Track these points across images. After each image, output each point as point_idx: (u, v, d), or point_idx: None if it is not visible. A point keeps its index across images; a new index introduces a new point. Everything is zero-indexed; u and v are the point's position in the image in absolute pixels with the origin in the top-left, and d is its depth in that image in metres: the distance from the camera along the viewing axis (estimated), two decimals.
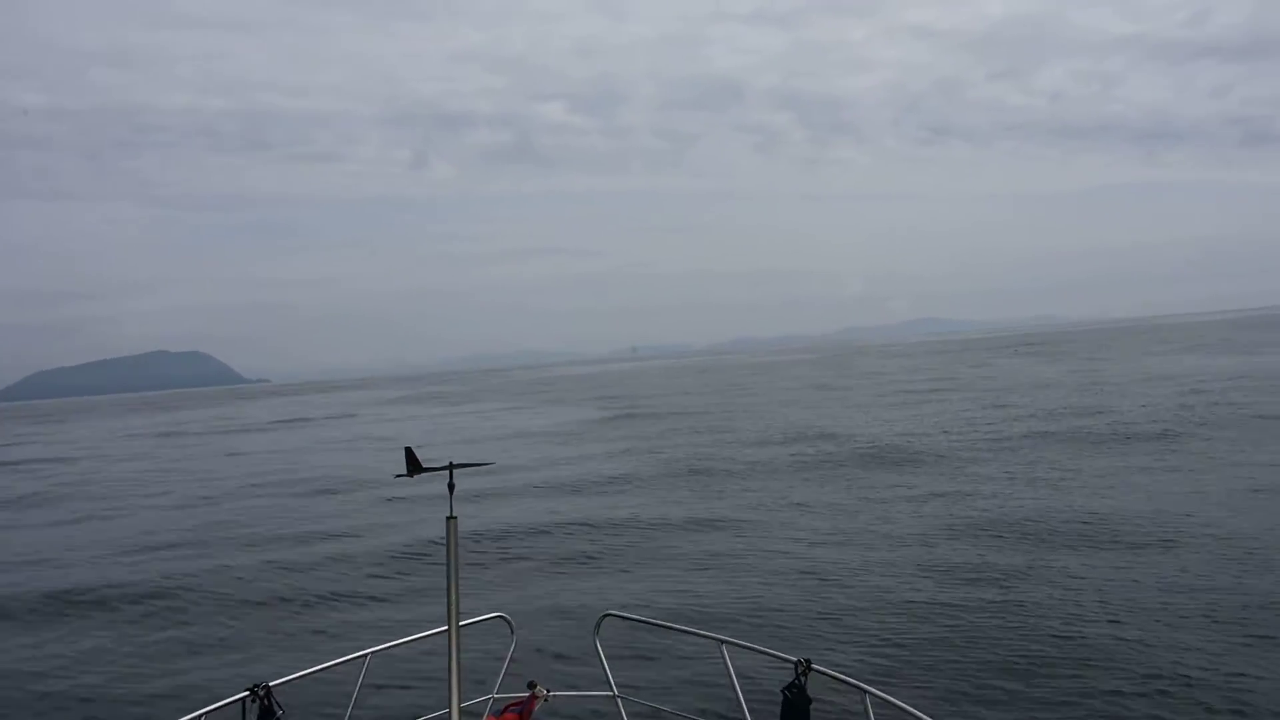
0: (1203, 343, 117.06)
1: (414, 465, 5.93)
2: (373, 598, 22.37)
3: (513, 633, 7.97)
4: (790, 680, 6.24)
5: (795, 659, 6.31)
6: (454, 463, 5.97)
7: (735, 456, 41.71)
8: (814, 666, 6.25)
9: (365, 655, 7.21)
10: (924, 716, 5.92)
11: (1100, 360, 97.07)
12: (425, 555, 26.62)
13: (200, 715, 6.18)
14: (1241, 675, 13.43)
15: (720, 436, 50.01)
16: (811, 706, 6.20)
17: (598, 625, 7.99)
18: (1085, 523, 24.12)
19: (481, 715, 7.53)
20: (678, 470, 39.75)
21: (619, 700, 7.73)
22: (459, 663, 5.98)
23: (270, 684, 6.35)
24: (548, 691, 7.32)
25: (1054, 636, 16.04)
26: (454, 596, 5.94)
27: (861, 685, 6.07)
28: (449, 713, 5.96)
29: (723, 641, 7.11)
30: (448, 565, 5.92)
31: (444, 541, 5.91)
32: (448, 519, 5.91)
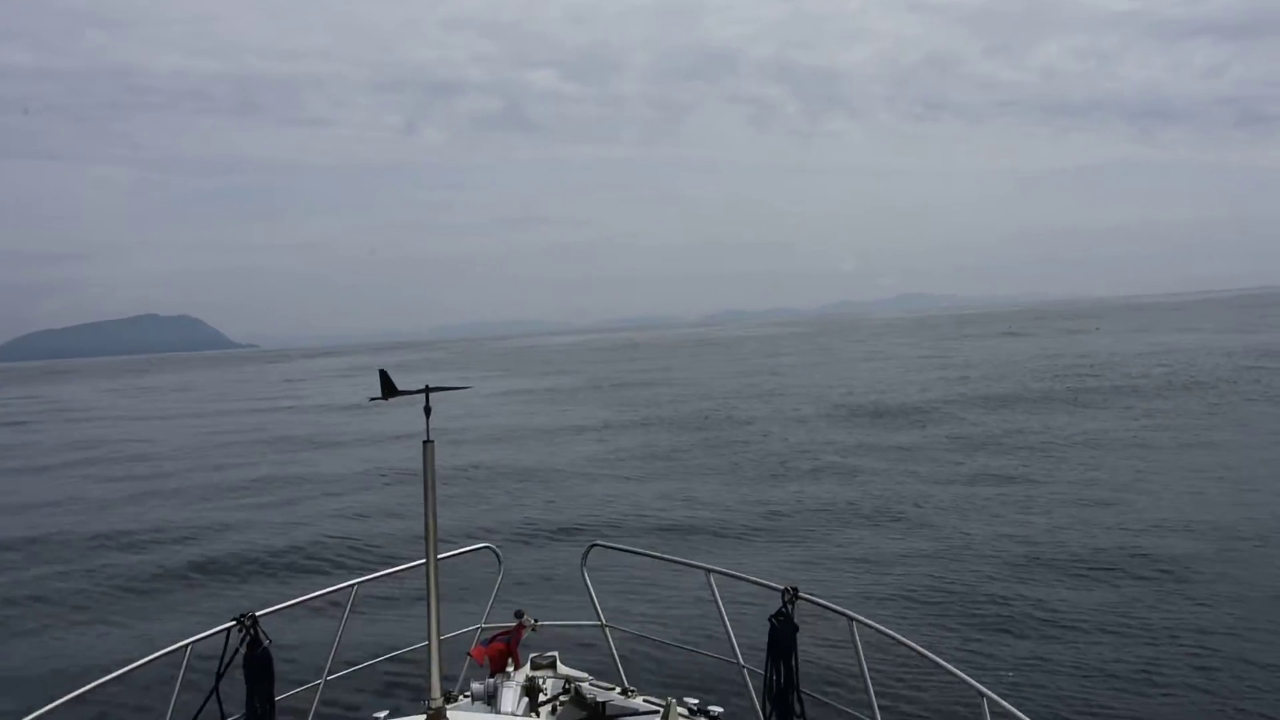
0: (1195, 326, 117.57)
1: (389, 388, 5.82)
2: (362, 527, 22.86)
3: (500, 563, 7.97)
4: (777, 608, 6.24)
5: (782, 587, 6.31)
6: (430, 386, 5.83)
7: (703, 412, 43.01)
8: (800, 594, 6.25)
9: (352, 585, 7.17)
10: (907, 640, 6.07)
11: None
12: (412, 483, 27.30)
13: (188, 644, 6.17)
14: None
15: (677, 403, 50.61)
16: (798, 634, 6.22)
17: (585, 555, 7.99)
18: (1052, 457, 25.87)
19: (469, 645, 7.45)
20: (650, 420, 41.20)
21: (606, 629, 7.77)
22: (438, 592, 5.86)
23: (257, 614, 6.28)
24: (535, 621, 7.27)
25: (1037, 563, 16.70)
26: (432, 523, 5.83)
27: (847, 612, 6.14)
28: (429, 643, 5.86)
29: (710, 570, 7.13)
30: (425, 492, 5.77)
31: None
32: (424, 443, 5.75)
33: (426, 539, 5.84)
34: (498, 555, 7.99)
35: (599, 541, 8.57)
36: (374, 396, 5.87)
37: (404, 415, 42.34)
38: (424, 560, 5.87)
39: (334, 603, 7.27)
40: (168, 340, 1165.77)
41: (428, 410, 5.77)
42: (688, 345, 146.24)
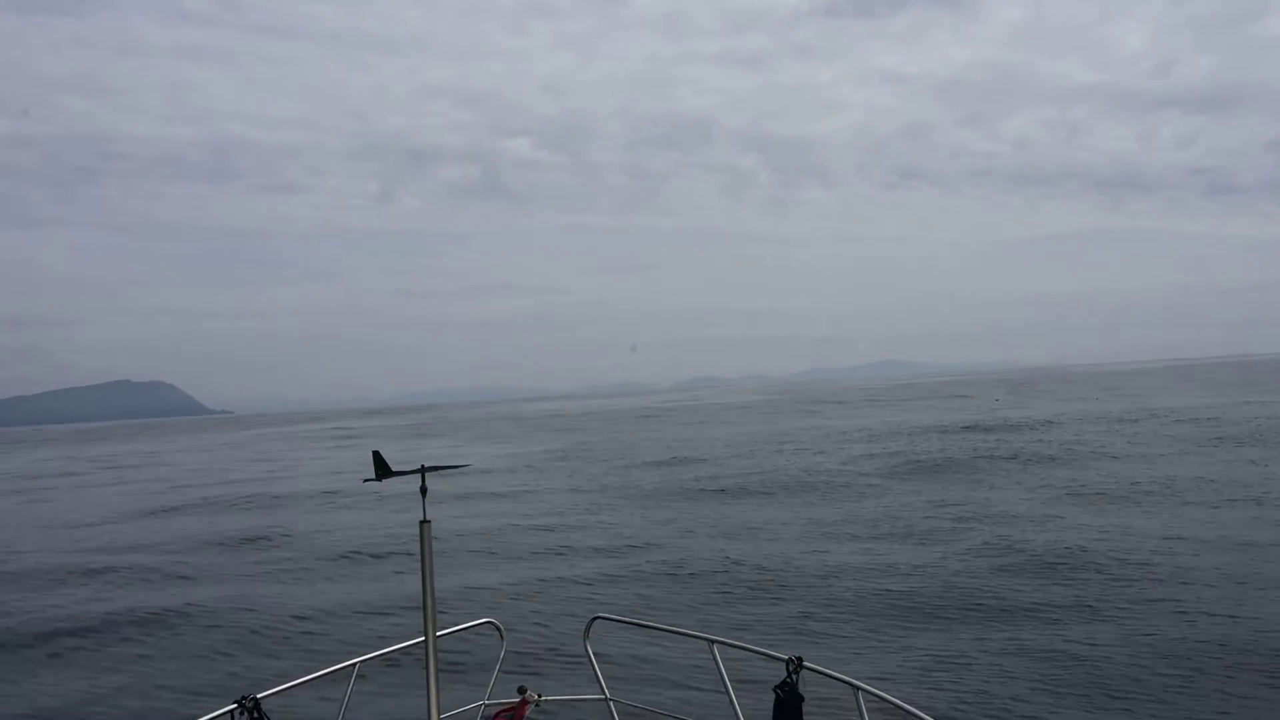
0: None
1: (382, 469, 5.82)
2: (362, 607, 22.47)
3: (502, 638, 7.90)
4: (782, 679, 6.20)
5: (786, 657, 6.27)
6: (426, 465, 5.89)
7: (701, 479, 43.10)
8: (805, 664, 6.21)
9: (354, 664, 7.08)
10: (918, 711, 5.90)
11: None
12: (409, 558, 26.80)
13: None
14: None
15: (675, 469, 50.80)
16: (804, 704, 6.17)
17: (588, 628, 7.85)
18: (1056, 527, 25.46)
19: None
20: (641, 490, 41.09)
21: (610, 703, 7.65)
22: (437, 671, 5.94)
23: (259, 695, 6.18)
24: (539, 696, 7.25)
25: (1050, 626, 16.98)
26: (429, 603, 5.87)
27: (854, 682, 6.03)
28: None
29: (713, 641, 7.03)
30: (422, 572, 5.83)
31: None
32: (421, 523, 5.82)
33: (425, 619, 5.92)
34: (499, 630, 7.90)
35: (601, 614, 8.16)
36: (367, 478, 5.89)
37: (399, 483, 42.64)
38: (417, 640, 5.99)
39: (335, 681, 7.08)
40: (141, 406, 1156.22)
41: (424, 490, 5.85)
42: (636, 416, 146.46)
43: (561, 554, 27.71)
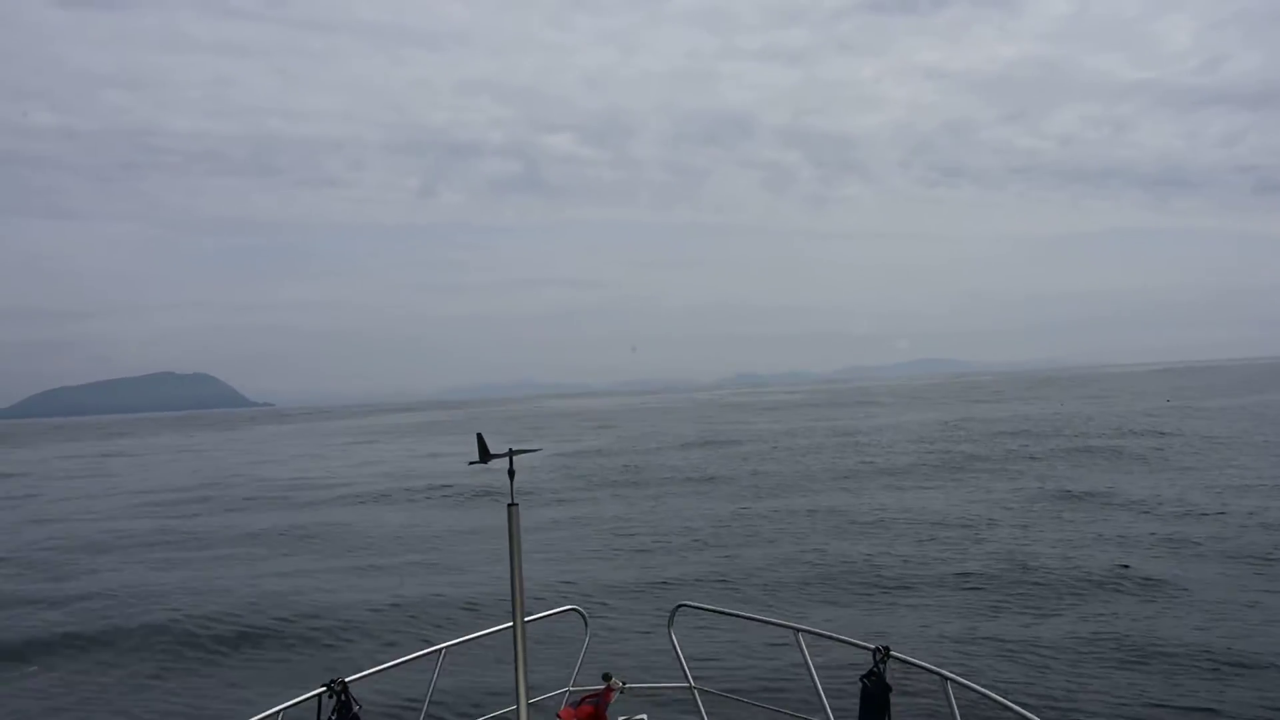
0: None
1: (484, 452, 5.93)
2: (448, 591, 22.73)
3: (586, 625, 7.85)
4: (869, 668, 6.11)
5: (873, 646, 6.16)
6: (513, 448, 5.97)
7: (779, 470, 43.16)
8: (893, 653, 6.08)
9: (440, 650, 7.12)
10: (1006, 701, 5.77)
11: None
12: (497, 547, 27.37)
13: (278, 711, 6.16)
14: None
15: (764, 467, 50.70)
16: (891, 694, 6.06)
17: (672, 616, 7.82)
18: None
19: (557, 708, 7.35)
20: (717, 478, 41.41)
21: (695, 691, 7.59)
22: (525, 654, 5.91)
23: (347, 679, 6.30)
24: (623, 683, 7.19)
25: (1136, 621, 16.74)
26: (518, 585, 5.89)
27: (941, 672, 5.90)
28: (518, 706, 5.87)
29: (799, 630, 6.93)
30: (510, 554, 5.89)
31: (506, 530, 5.86)
32: (509, 506, 5.87)
33: (513, 602, 5.92)
34: (584, 617, 7.85)
35: (686, 601, 8.14)
36: (472, 460, 5.97)
37: (478, 477, 42.93)
38: (511, 624, 5.96)
39: (422, 666, 7.16)
40: (184, 398, 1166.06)
41: (511, 473, 5.90)
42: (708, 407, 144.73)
43: (644, 541, 27.82)
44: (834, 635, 7.05)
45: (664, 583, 22.16)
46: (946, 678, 5.87)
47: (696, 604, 8.64)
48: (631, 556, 25.59)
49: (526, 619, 6.05)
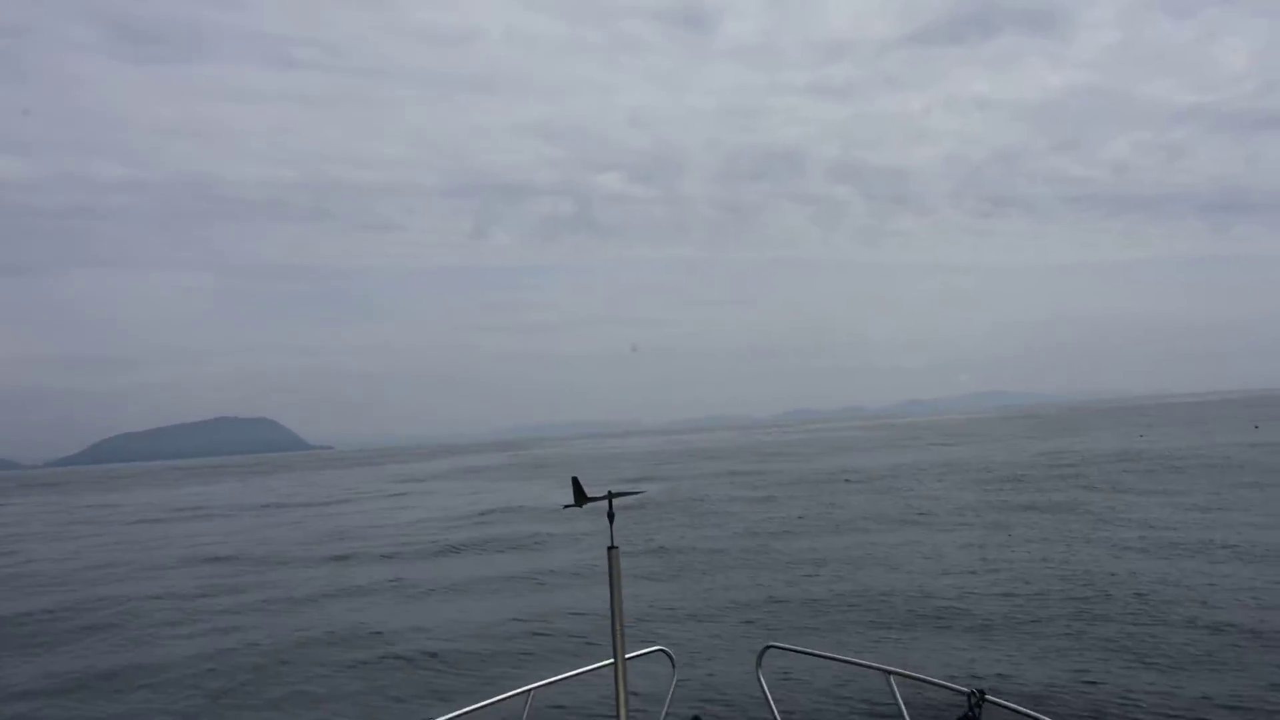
0: None
1: (580, 496, 5.85)
2: (532, 631, 22.65)
3: (674, 666, 7.71)
4: (963, 713, 5.91)
5: (967, 690, 5.98)
6: (613, 491, 5.88)
7: (871, 513, 42.27)
8: (987, 697, 5.89)
9: (528, 691, 7.03)
10: None
11: None
12: (581, 585, 27.38)
13: None
14: None
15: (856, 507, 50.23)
16: None
17: (760, 657, 7.70)
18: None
19: None
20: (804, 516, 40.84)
21: None
22: (625, 696, 5.82)
23: None
24: None
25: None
26: (618, 628, 5.80)
27: (1039, 716, 5.65)
28: None
29: (890, 672, 6.72)
30: (611, 597, 5.78)
31: (605, 572, 5.76)
32: (609, 549, 5.79)
33: (614, 646, 5.90)
34: (670, 658, 7.70)
35: (774, 642, 7.96)
36: (568, 504, 5.90)
37: (563, 518, 42.95)
38: (601, 663, 6.08)
39: (511, 708, 7.03)
40: (245, 442, 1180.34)
41: (611, 516, 5.88)
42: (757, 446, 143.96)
43: (730, 581, 27.52)
44: (927, 678, 6.90)
45: (751, 623, 21.87)
46: None
47: (785, 645, 8.29)
48: (717, 596, 25.38)
49: (605, 663, 6.03)
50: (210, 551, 43.72)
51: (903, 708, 6.47)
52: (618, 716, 5.82)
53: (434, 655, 21.11)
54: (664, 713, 7.57)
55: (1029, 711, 5.77)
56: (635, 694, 10.52)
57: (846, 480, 60.17)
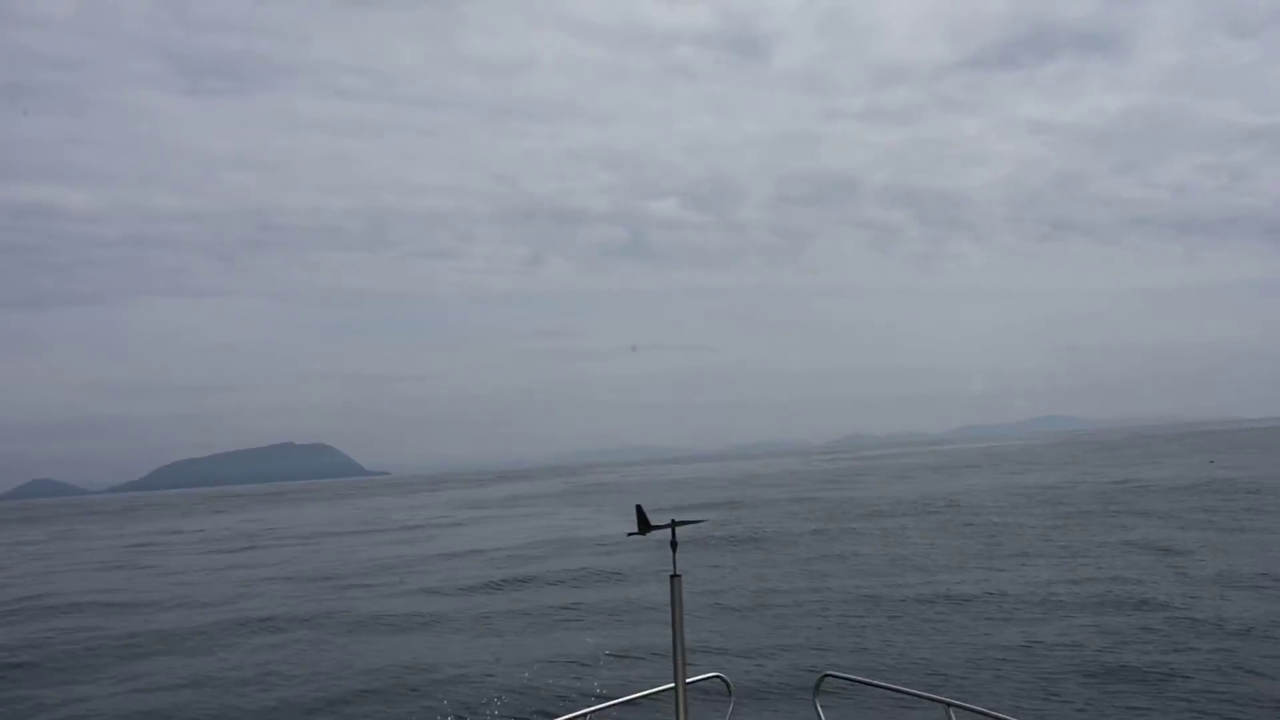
0: None
1: (644, 524, 5.92)
2: (589, 656, 22.82)
3: (730, 692, 7.73)
4: None
5: None
6: (676, 520, 5.94)
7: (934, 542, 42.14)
8: None
9: (584, 715, 7.14)
10: None
11: None
12: (639, 612, 27.50)
13: None
14: None
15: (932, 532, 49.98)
16: None
17: (817, 685, 7.70)
18: None
19: None
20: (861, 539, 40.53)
21: None
22: None
23: None
24: None
25: None
26: (680, 657, 5.86)
27: None
28: None
29: (950, 704, 6.72)
30: (673, 624, 5.82)
31: (664, 599, 5.73)
32: (671, 577, 5.83)
33: (676, 675, 5.97)
34: (727, 684, 7.71)
35: (831, 670, 8.18)
36: (631, 531, 5.98)
37: (619, 545, 43.07)
38: (658, 688, 6.20)
39: None
40: (304, 468, 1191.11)
41: (674, 545, 5.92)
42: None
43: (787, 608, 27.42)
44: (987, 710, 6.83)
45: (807, 650, 21.79)
46: None
47: (842, 673, 8.34)
48: (775, 622, 25.29)
49: (665, 687, 6.21)
50: (282, 574, 44.49)
51: None
52: None
53: (491, 676, 21.50)
54: None
55: None
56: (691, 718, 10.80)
57: (923, 509, 59.14)
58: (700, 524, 7.00)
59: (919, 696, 7.63)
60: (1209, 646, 19.78)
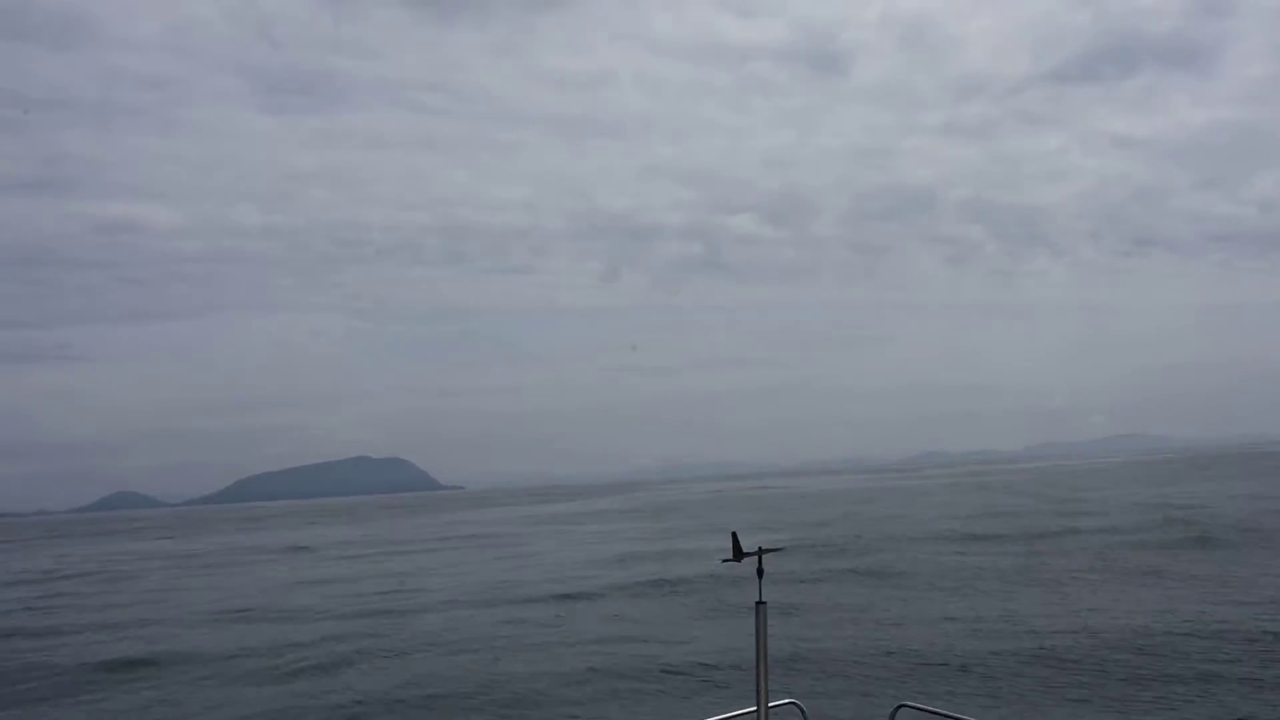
0: None
1: (737, 551, 6.00)
2: (668, 673, 23.49)
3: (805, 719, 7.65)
4: None
5: None
6: (763, 547, 6.01)
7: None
8: None
9: None
10: None
11: None
12: (722, 636, 27.42)
13: None
14: None
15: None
16: None
17: (893, 716, 7.63)
18: None
19: None
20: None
21: None
22: None
23: None
24: None
25: None
26: (763, 684, 5.98)
27: None
28: None
29: None
30: (756, 650, 5.93)
31: (752, 627, 5.85)
32: (757, 604, 5.91)
33: (759, 701, 6.08)
34: (802, 711, 7.63)
35: (907, 702, 7.80)
36: (725, 558, 6.15)
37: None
38: (740, 711, 6.19)
39: None
40: (379, 482, 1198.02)
41: (760, 572, 5.99)
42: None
43: (869, 634, 26.98)
44: None
45: (883, 679, 21.61)
46: None
47: (918, 704, 8.03)
48: (853, 649, 25.07)
49: (743, 711, 6.32)
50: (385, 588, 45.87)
51: None
52: None
53: (575, 704, 22.01)
54: None
55: None
56: None
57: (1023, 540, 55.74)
58: (783, 550, 7.19)
59: None
60: None
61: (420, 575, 54.00)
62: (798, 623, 29.47)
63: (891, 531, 60.95)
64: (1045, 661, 22.48)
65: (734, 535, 6.08)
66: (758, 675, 6.05)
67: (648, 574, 45.01)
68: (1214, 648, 22.66)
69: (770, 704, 7.10)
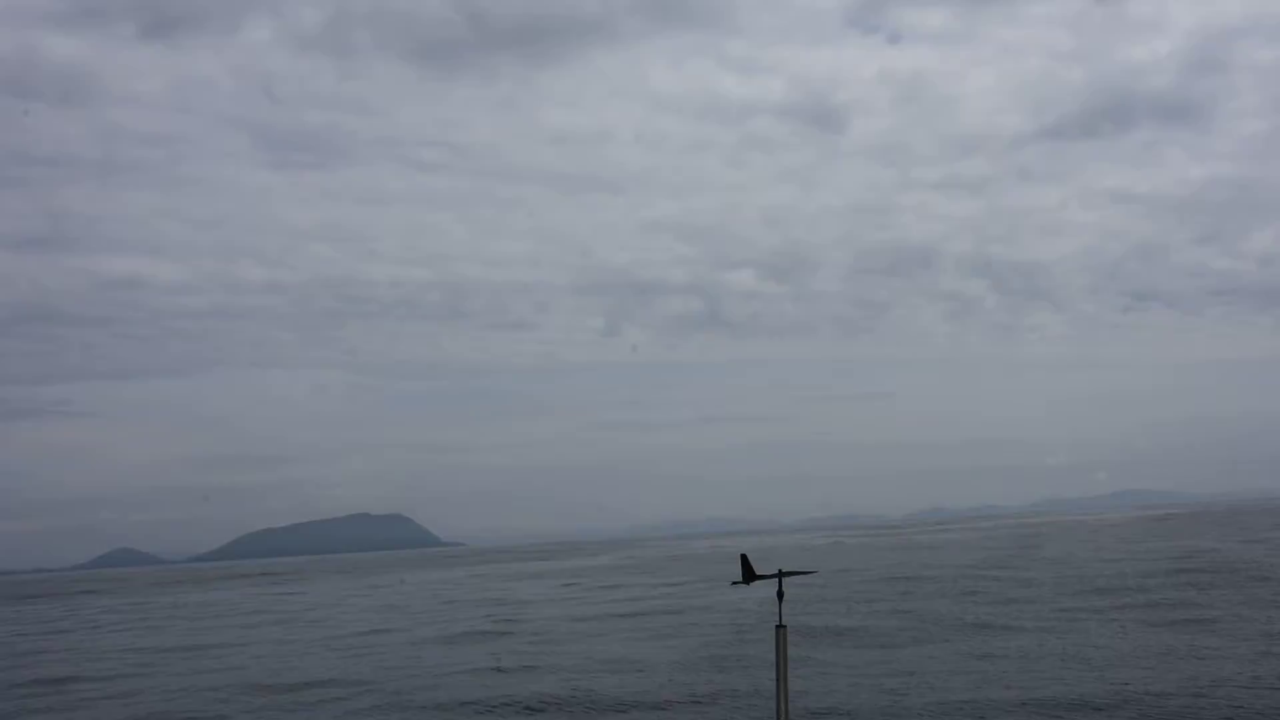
0: None
1: (748, 573, 5.93)
2: (690, 702, 23.94)
3: None
4: None
5: None
6: (783, 570, 5.93)
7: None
8: None
9: None
10: None
11: None
12: (740, 668, 28.44)
13: None
14: None
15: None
16: None
17: None
18: None
19: None
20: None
21: None
22: None
23: None
24: None
25: None
26: (784, 707, 5.87)
27: None
28: None
29: None
30: (777, 676, 5.77)
31: (772, 651, 5.65)
32: (777, 628, 5.80)
33: None
34: None
35: None
36: (735, 581, 6.07)
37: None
38: None
39: None
40: (380, 539, 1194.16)
41: (780, 595, 5.96)
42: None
43: (888, 675, 27.12)
44: None
45: (904, 705, 22.17)
46: None
47: None
48: (872, 688, 25.18)
49: None
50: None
51: None
52: None
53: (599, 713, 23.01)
54: None
55: None
56: None
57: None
58: (811, 574, 6.99)
59: None
60: None
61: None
62: (814, 643, 31.41)
63: (897, 586, 61.88)
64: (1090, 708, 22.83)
65: (743, 557, 5.97)
66: (778, 700, 5.84)
67: (663, 613, 47.52)
68: None
69: None
